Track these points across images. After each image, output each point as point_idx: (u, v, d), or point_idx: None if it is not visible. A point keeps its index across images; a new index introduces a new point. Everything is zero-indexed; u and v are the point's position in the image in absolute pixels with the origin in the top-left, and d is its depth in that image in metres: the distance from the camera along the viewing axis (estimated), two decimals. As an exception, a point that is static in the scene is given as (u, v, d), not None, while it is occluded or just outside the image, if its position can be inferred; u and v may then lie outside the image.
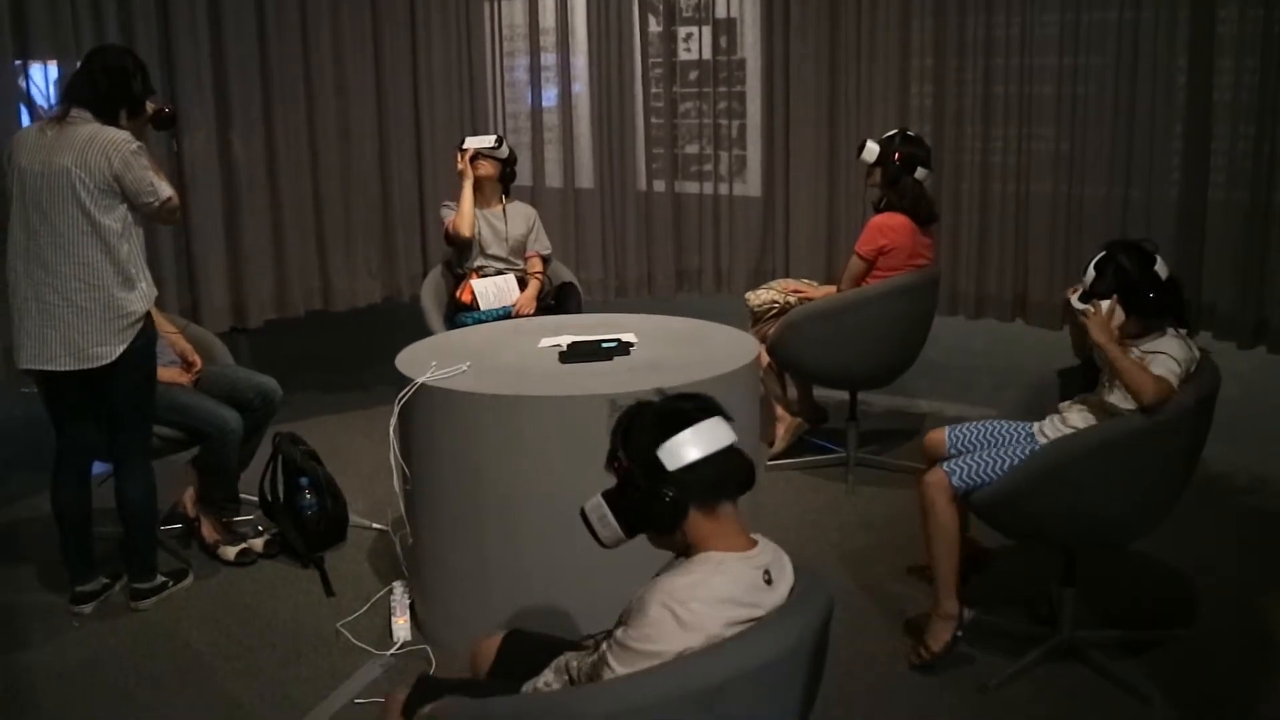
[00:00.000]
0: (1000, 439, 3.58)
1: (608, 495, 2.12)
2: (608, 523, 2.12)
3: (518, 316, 5.07)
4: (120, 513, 3.86)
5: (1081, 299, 3.29)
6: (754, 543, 2.13)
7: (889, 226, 4.72)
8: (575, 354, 3.65)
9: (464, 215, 5.23)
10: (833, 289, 5.06)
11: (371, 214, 6.06)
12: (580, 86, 6.48)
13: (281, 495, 4.38)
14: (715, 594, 2.01)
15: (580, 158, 6.51)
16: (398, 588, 3.83)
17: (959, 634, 3.41)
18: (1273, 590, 3.89)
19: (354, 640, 3.65)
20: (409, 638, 3.61)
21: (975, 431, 3.64)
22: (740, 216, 6.46)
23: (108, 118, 3.62)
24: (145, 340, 3.70)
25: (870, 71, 5.88)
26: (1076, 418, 3.42)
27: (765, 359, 4.87)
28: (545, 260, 5.45)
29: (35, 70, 4.88)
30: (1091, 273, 3.31)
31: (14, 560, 4.32)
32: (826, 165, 6.11)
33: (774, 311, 5.04)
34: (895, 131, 4.84)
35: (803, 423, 5.23)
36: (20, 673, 3.53)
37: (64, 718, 3.30)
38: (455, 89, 6.27)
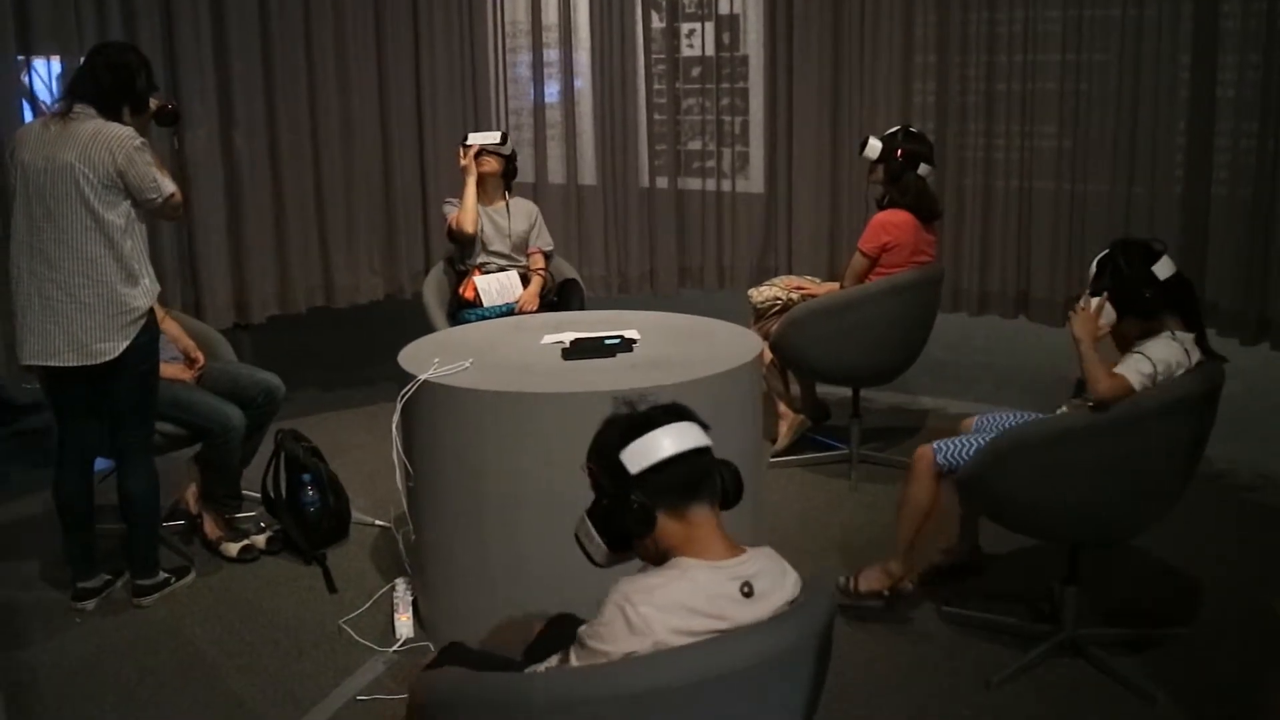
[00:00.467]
0: (997, 426, 3.60)
1: (590, 511, 2.11)
2: (594, 540, 2.10)
3: (521, 313, 5.07)
4: (122, 509, 3.86)
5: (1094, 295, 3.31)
6: (738, 552, 2.06)
7: (892, 223, 4.72)
8: (578, 351, 3.65)
9: (467, 211, 5.22)
10: (835, 286, 5.05)
11: (374, 210, 6.05)
12: (583, 83, 6.47)
13: (284, 492, 4.37)
14: (670, 600, 1.97)
15: (583, 154, 6.51)
16: (400, 585, 3.83)
17: (886, 594, 3.62)
18: (1276, 587, 3.89)
19: (356, 637, 3.65)
20: (411, 635, 3.61)
21: (985, 423, 3.73)
22: (743, 213, 6.46)
23: (111, 114, 3.62)
24: (148, 336, 3.70)
25: (873, 68, 5.87)
26: (1070, 411, 3.43)
27: (768, 356, 4.87)
28: (547, 257, 5.45)
29: (38, 66, 4.88)
30: (1093, 270, 3.32)
31: (16, 557, 4.32)
32: (829, 162, 6.10)
33: (777, 308, 5.04)
34: (897, 128, 4.83)
35: (805, 420, 5.22)
36: (22, 669, 3.53)
37: (66, 714, 3.31)
38: (458, 85, 6.27)
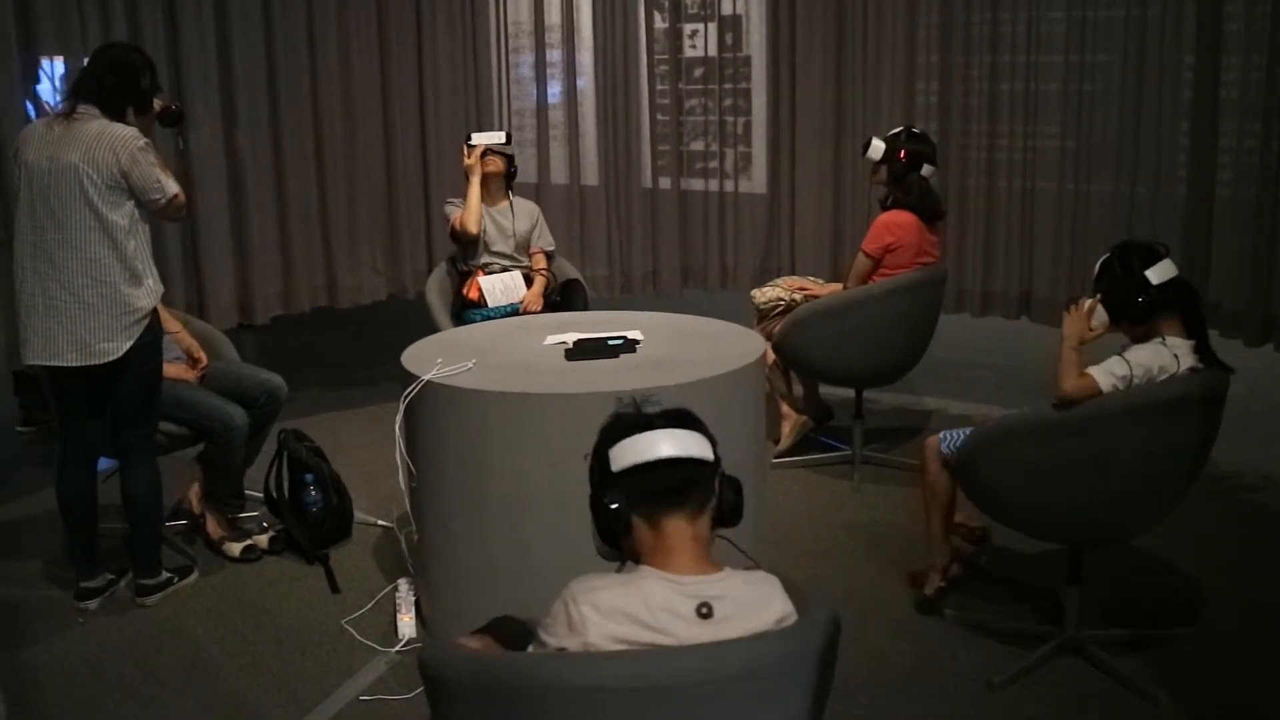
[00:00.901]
0: None
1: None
2: (594, 533, 2.09)
3: (525, 313, 5.07)
4: (125, 509, 3.87)
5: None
6: (708, 570, 1.98)
7: (895, 224, 4.72)
8: (581, 351, 3.65)
9: (472, 211, 5.23)
10: (838, 286, 5.05)
11: (377, 211, 6.06)
12: (585, 83, 6.47)
13: (287, 492, 4.38)
14: (611, 605, 1.94)
15: (585, 154, 6.51)
16: (403, 585, 3.83)
17: (943, 584, 3.77)
18: (1278, 588, 3.88)
19: (359, 637, 3.66)
20: (414, 635, 3.61)
21: None
22: (746, 213, 6.45)
23: (115, 114, 3.62)
24: (152, 336, 3.71)
25: (876, 68, 5.87)
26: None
27: (771, 356, 4.87)
28: (549, 257, 5.46)
29: (42, 66, 4.88)
30: (1096, 271, 3.33)
31: (19, 556, 4.33)
32: (832, 162, 6.10)
33: (780, 309, 5.04)
34: (900, 129, 4.83)
35: (808, 420, 5.22)
36: (25, 669, 3.54)
37: (69, 714, 3.31)
38: (460, 85, 6.27)
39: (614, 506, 2.01)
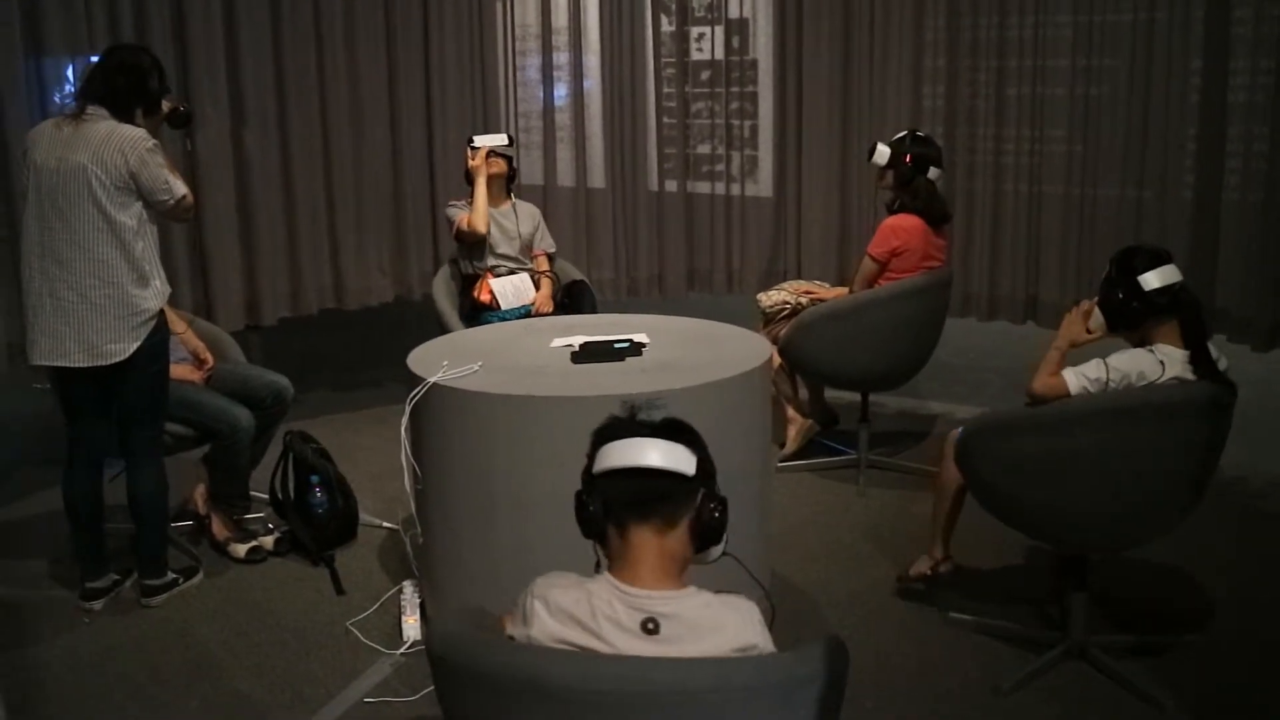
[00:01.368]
0: None
1: None
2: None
3: (537, 315, 5.08)
4: (131, 509, 3.87)
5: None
6: (667, 586, 1.96)
7: (902, 228, 4.71)
8: (587, 354, 3.65)
9: (480, 212, 5.23)
10: (844, 290, 5.05)
11: (383, 212, 6.06)
12: (592, 86, 6.47)
13: (292, 493, 4.38)
14: (559, 604, 1.97)
15: (592, 157, 6.51)
16: (408, 587, 3.83)
17: (929, 573, 3.77)
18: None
19: (364, 639, 3.66)
20: (419, 637, 3.61)
21: None
22: (752, 217, 6.45)
23: (124, 115, 3.63)
24: (159, 338, 3.71)
25: (883, 72, 5.86)
26: None
27: (776, 360, 4.86)
28: (551, 258, 5.48)
29: (49, 66, 4.88)
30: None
31: (25, 556, 4.33)
32: (839, 166, 6.09)
33: (786, 312, 5.04)
34: (904, 133, 4.83)
35: (814, 424, 5.22)
36: (31, 669, 3.54)
37: (73, 714, 3.31)
38: (467, 88, 6.27)
39: (589, 508, 2.02)
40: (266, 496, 4.46)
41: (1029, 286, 5.63)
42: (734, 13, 6.34)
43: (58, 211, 3.56)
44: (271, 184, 5.62)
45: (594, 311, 5.27)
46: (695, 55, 6.45)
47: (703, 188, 6.53)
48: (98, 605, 3.89)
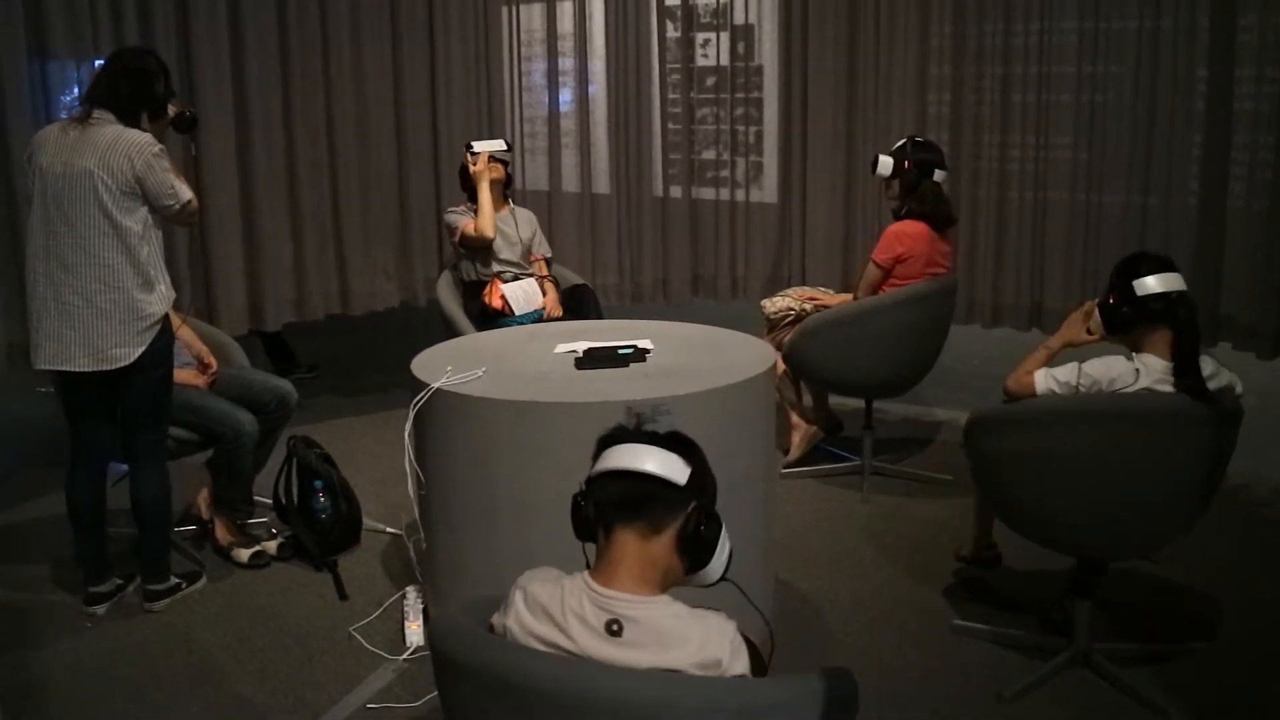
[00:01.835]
0: None
1: None
2: None
3: (549, 319, 5.09)
4: (135, 514, 3.87)
5: None
6: (641, 591, 1.97)
7: (906, 234, 4.71)
8: (591, 360, 3.64)
9: (488, 216, 5.25)
10: (849, 297, 5.04)
11: (389, 217, 6.06)
12: (597, 91, 6.48)
13: (295, 498, 4.38)
14: (536, 597, 2.01)
15: (597, 163, 6.51)
16: (411, 593, 3.83)
17: (969, 558, 4.04)
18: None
19: (366, 645, 3.65)
20: (422, 643, 3.61)
21: None
22: (756, 223, 6.45)
23: (130, 119, 3.64)
24: (163, 342, 3.71)
25: (888, 79, 5.86)
26: None
27: (781, 366, 4.86)
28: (548, 263, 5.50)
29: (53, 70, 4.89)
30: None
31: (28, 560, 4.33)
32: (843, 172, 6.09)
33: (790, 319, 5.03)
34: (904, 140, 4.83)
35: (818, 431, 5.22)
36: (33, 673, 3.54)
37: (76, 718, 3.31)
38: (473, 93, 6.28)
39: (583, 510, 2.06)
40: (270, 501, 4.46)
41: (1034, 293, 5.62)
42: (739, 19, 6.34)
43: (63, 216, 3.56)
44: (276, 188, 5.62)
45: (599, 314, 5.28)
46: (700, 61, 6.46)
47: (707, 193, 6.53)
48: (100, 610, 3.89)
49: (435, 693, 3.06)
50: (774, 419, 3.71)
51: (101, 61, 3.90)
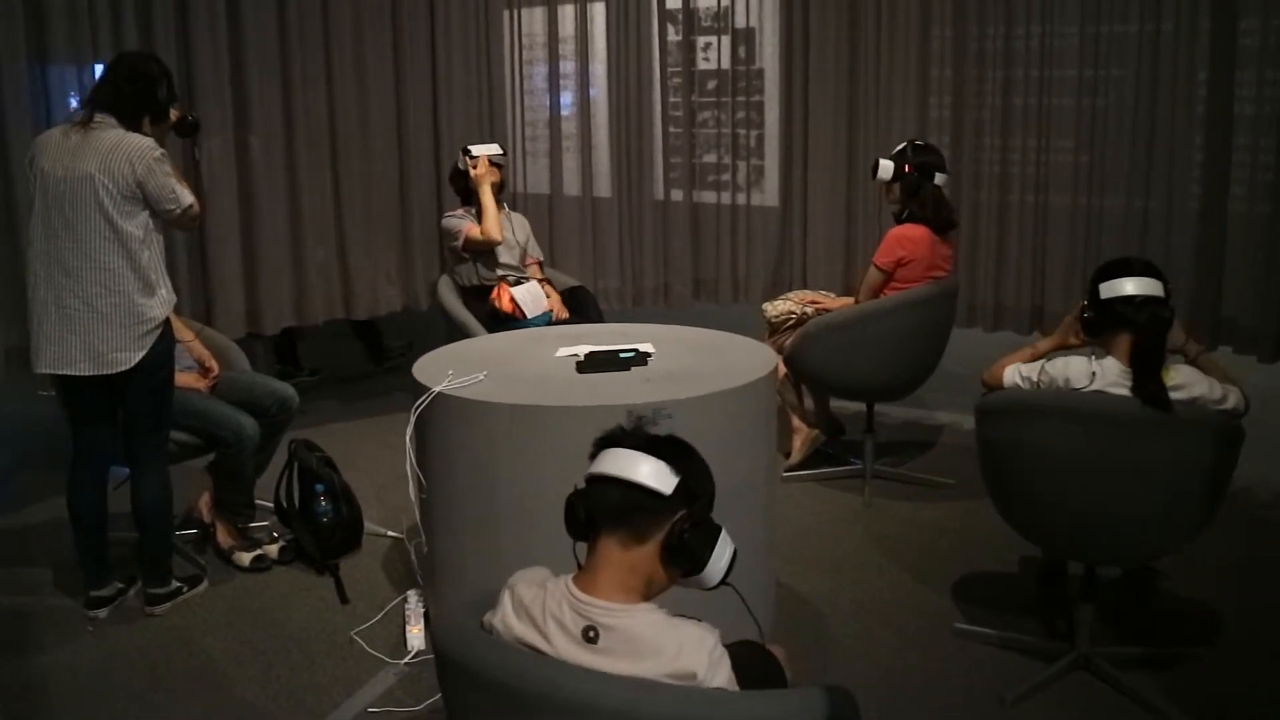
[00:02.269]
0: None
1: None
2: None
3: (558, 321, 5.10)
4: (136, 517, 3.87)
5: None
6: (621, 599, 1.97)
7: (908, 238, 4.71)
8: (593, 364, 3.64)
9: (493, 219, 5.27)
10: (850, 300, 5.04)
11: (390, 221, 6.05)
12: (598, 95, 6.48)
13: (297, 502, 4.38)
14: (522, 598, 2.03)
15: (598, 166, 6.52)
16: (412, 596, 3.83)
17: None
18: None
19: (368, 649, 3.65)
20: (423, 647, 3.60)
21: None
22: (758, 226, 6.45)
23: (132, 124, 3.64)
24: (164, 346, 3.71)
25: (889, 82, 5.87)
26: None
27: (782, 370, 4.86)
28: (540, 265, 5.52)
29: (53, 74, 4.89)
30: None
31: (29, 563, 4.33)
32: (845, 176, 6.09)
33: (791, 322, 5.03)
34: (904, 144, 4.83)
35: (819, 434, 5.21)
36: (34, 676, 3.54)
37: (78, 722, 3.31)
38: (474, 96, 6.28)
39: (576, 511, 2.05)
40: (271, 505, 4.46)
41: (1035, 297, 5.62)
42: (740, 22, 6.35)
43: (64, 220, 3.56)
44: (276, 191, 5.61)
45: (599, 315, 5.29)
46: (702, 65, 6.46)
47: (708, 197, 6.53)
48: (102, 613, 3.89)
49: (436, 696, 3.07)
50: (775, 422, 3.70)
51: (103, 66, 3.89)
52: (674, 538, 2.00)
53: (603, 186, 6.54)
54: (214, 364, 4.27)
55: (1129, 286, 3.14)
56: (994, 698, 3.31)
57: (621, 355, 3.68)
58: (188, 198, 3.70)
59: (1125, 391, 3.12)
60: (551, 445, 3.23)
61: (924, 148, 4.82)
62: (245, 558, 4.24)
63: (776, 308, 5.13)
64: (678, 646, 1.93)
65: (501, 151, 5.46)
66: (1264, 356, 4.83)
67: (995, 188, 5.67)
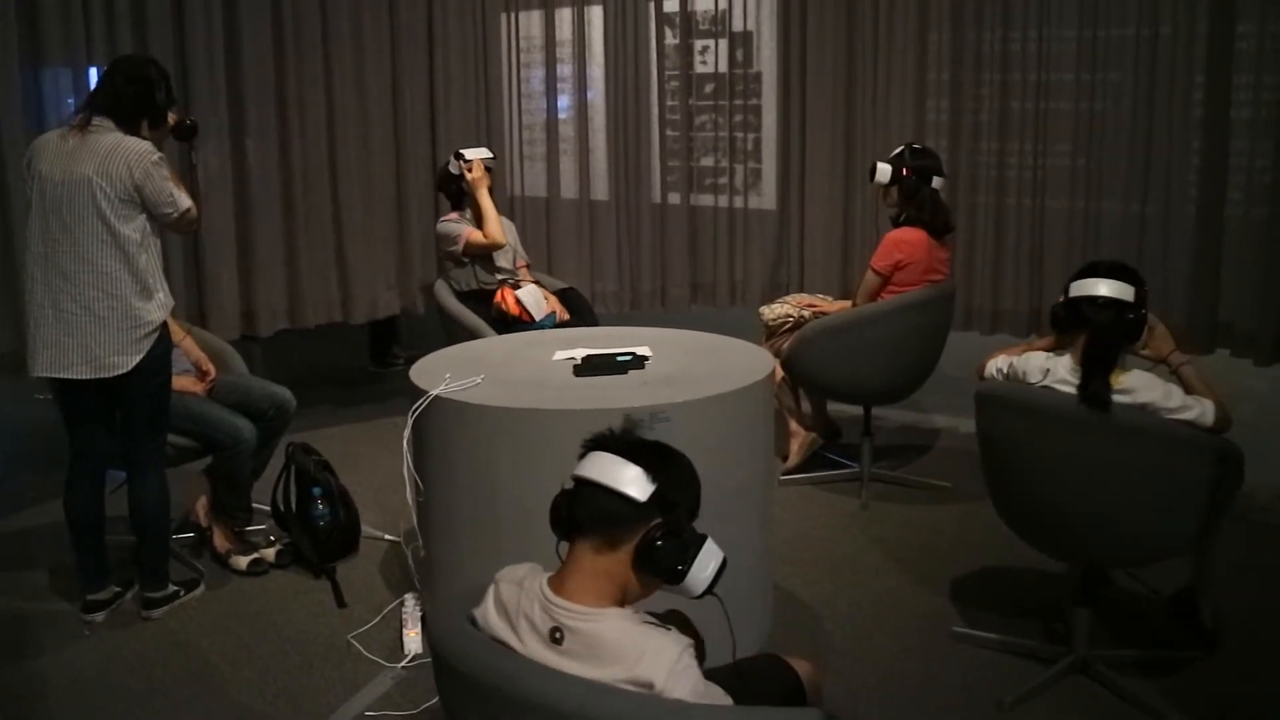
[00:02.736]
0: None
1: None
2: None
3: (562, 323, 5.10)
4: (133, 521, 3.86)
5: None
6: (589, 602, 1.98)
7: (905, 241, 4.72)
8: (590, 367, 3.64)
9: (495, 222, 5.28)
10: (847, 304, 5.05)
11: (389, 225, 6.05)
12: (596, 98, 6.48)
13: (294, 505, 4.37)
14: (502, 594, 2.08)
15: (595, 170, 6.52)
16: (409, 600, 3.82)
17: None
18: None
19: (365, 652, 3.65)
20: (420, 650, 3.60)
21: None
22: (755, 230, 6.45)
23: (130, 127, 3.63)
24: (161, 349, 3.71)
25: (887, 85, 5.87)
26: None
27: (779, 373, 4.86)
28: (527, 268, 5.53)
29: (46, 77, 4.88)
30: None
31: (26, 567, 4.33)
32: (842, 179, 6.09)
33: (788, 326, 5.03)
34: (902, 148, 4.83)
35: (817, 438, 5.21)
36: (31, 681, 3.53)
37: (75, 726, 3.31)
38: (472, 99, 6.28)
39: (558, 504, 2.07)
40: (268, 508, 4.45)
41: (1032, 300, 5.62)
42: (738, 26, 6.35)
43: (61, 223, 3.56)
44: (272, 194, 5.61)
45: (593, 315, 5.29)
46: (699, 68, 6.46)
47: (706, 200, 6.53)
48: (99, 617, 3.88)
49: (434, 700, 3.07)
50: (772, 426, 3.71)
51: (99, 69, 3.89)
52: (646, 545, 1.99)
53: (600, 190, 6.54)
54: (211, 367, 4.27)
55: (1090, 287, 3.19)
56: (992, 701, 3.31)
57: (619, 359, 3.68)
58: (185, 201, 3.70)
59: (1071, 389, 3.18)
60: (549, 449, 3.23)
61: (921, 151, 4.82)
62: (242, 561, 4.24)
63: (774, 311, 5.13)
64: (639, 654, 1.92)
65: (491, 155, 5.45)
66: (1261, 360, 4.83)
67: (992, 191, 5.67)
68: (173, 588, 3.98)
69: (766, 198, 6.43)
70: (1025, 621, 3.78)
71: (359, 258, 5.92)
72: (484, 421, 3.31)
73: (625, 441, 2.07)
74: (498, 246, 5.27)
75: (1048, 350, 3.35)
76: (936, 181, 4.75)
